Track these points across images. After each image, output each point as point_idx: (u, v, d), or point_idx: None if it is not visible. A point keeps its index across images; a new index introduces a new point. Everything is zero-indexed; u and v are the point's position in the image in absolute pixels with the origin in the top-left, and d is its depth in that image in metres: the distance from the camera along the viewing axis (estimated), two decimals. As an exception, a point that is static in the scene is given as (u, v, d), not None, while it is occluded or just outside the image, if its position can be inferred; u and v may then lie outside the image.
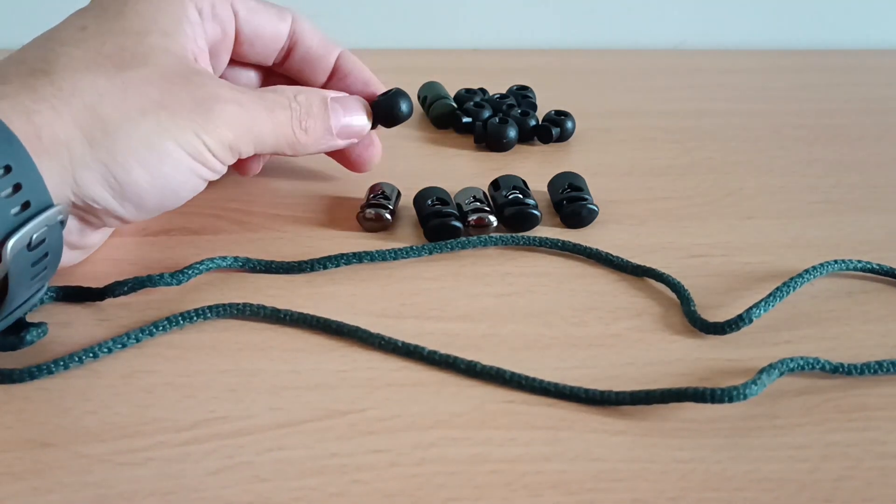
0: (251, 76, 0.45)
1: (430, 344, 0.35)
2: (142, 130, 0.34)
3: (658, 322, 0.37)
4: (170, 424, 0.31)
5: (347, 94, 0.42)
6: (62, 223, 0.32)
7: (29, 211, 0.31)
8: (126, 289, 0.36)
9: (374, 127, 0.43)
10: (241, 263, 0.39)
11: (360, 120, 0.42)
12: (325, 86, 0.44)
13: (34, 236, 0.31)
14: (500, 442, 0.31)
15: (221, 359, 0.34)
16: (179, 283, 0.37)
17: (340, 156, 0.45)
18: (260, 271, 0.39)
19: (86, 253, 0.38)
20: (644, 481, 0.30)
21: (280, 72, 0.45)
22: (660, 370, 0.35)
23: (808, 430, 0.32)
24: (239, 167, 0.44)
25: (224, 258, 0.38)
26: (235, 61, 0.43)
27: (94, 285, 0.36)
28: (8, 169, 0.30)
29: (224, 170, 0.37)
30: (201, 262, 0.38)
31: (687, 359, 0.35)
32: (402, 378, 0.34)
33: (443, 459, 0.30)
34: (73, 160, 0.32)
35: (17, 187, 0.30)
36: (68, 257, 0.36)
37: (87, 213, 0.34)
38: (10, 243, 0.30)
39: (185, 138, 0.35)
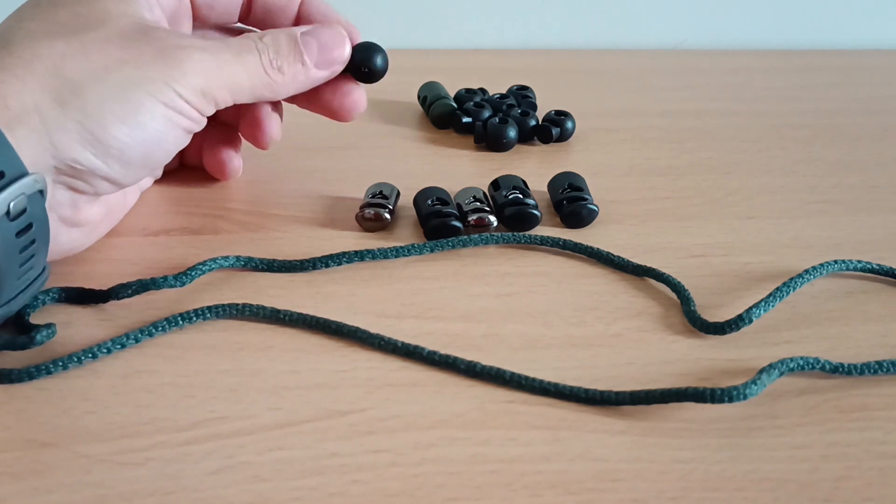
0: (217, 38, 0.44)
1: (430, 344, 0.35)
2: (110, 85, 0.34)
3: (658, 322, 0.37)
4: (170, 424, 0.31)
5: (319, 25, 0.41)
6: (41, 192, 0.32)
7: (2, 181, 0.30)
8: (130, 291, 0.36)
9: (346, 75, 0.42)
10: (243, 263, 0.39)
11: (337, 46, 0.40)
12: None
13: (11, 204, 0.31)
14: (500, 442, 0.31)
15: (221, 359, 0.34)
16: (183, 284, 0.37)
17: (321, 106, 0.43)
18: (262, 270, 0.39)
19: (88, 233, 0.38)
20: (644, 481, 0.30)
21: (247, 27, 0.44)
22: (660, 370, 0.35)
23: (808, 430, 0.32)
24: (251, 137, 0.44)
25: (226, 258, 0.38)
26: (199, 26, 0.43)
27: (94, 286, 0.36)
28: None
29: (203, 120, 0.37)
30: (204, 263, 0.38)
31: (687, 359, 0.35)
32: (402, 378, 0.34)
33: (443, 459, 0.30)
34: (46, 124, 0.32)
35: None
36: (69, 237, 0.36)
37: (74, 178, 0.34)
38: None
39: (155, 87, 0.35)
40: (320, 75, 0.40)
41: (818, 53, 0.73)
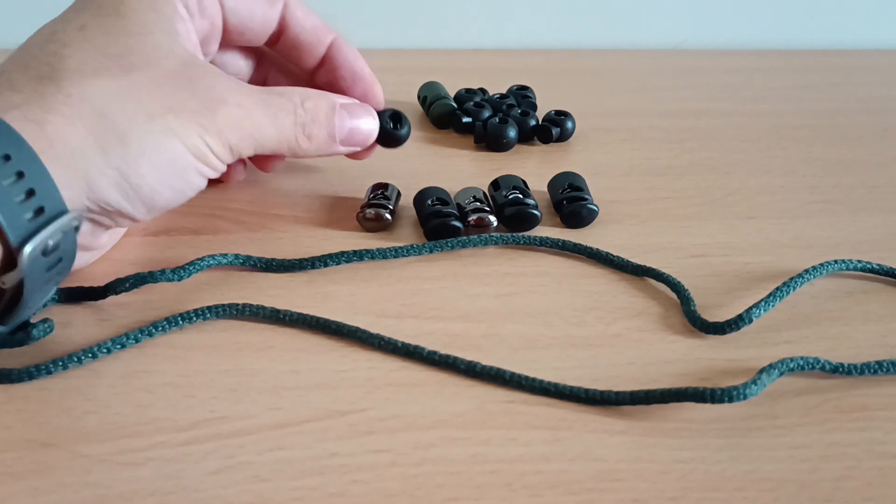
0: (242, 61, 0.44)
1: (429, 344, 0.35)
2: (152, 134, 0.34)
3: (658, 322, 0.37)
4: (170, 424, 0.31)
5: (357, 102, 0.42)
6: (76, 229, 0.33)
7: (43, 217, 0.31)
8: (127, 285, 0.36)
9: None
10: (241, 261, 0.39)
11: (367, 127, 0.41)
12: (314, 72, 0.44)
13: (50, 242, 0.31)
14: (500, 442, 0.31)
15: (221, 359, 0.34)
16: (181, 279, 0.37)
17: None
18: (260, 269, 0.39)
19: (97, 254, 0.38)
20: (644, 481, 0.30)
21: (272, 51, 0.44)
22: (660, 370, 0.35)
23: (808, 430, 0.32)
24: (256, 162, 0.45)
25: (224, 255, 0.39)
26: (224, 47, 0.43)
27: (94, 285, 0.36)
28: (21, 175, 0.30)
29: (224, 169, 0.37)
30: (202, 259, 0.38)
31: (687, 359, 0.35)
32: (402, 378, 0.34)
33: (443, 459, 0.30)
34: (86, 166, 0.33)
35: (30, 193, 0.30)
36: (80, 259, 0.36)
37: (100, 215, 0.35)
38: (27, 249, 0.30)
39: (191, 140, 0.35)
40: (341, 151, 0.41)
41: (818, 53, 0.73)
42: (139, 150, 0.34)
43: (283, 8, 0.42)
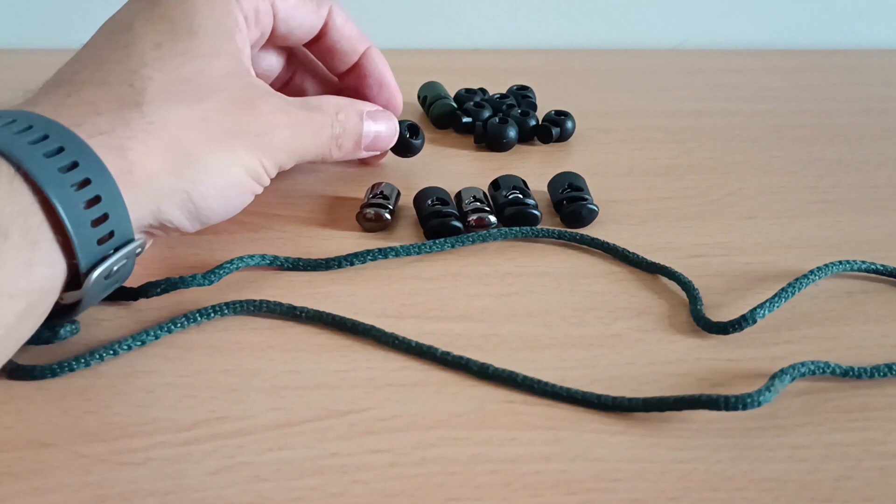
0: (275, 59, 0.46)
1: (430, 344, 0.35)
2: (218, 160, 0.36)
3: (658, 322, 0.37)
4: (170, 424, 0.31)
5: (380, 108, 0.44)
6: (137, 254, 0.34)
7: (111, 242, 0.32)
8: (159, 290, 0.36)
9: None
10: (268, 261, 0.39)
11: (388, 133, 0.44)
12: (342, 77, 0.46)
13: (115, 268, 0.32)
14: (500, 442, 0.31)
15: (221, 359, 0.34)
16: (211, 283, 0.37)
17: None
18: (288, 269, 0.39)
19: None
20: (644, 481, 0.30)
21: (304, 50, 0.46)
22: (660, 370, 0.35)
23: (808, 430, 0.32)
24: None
25: (252, 256, 0.39)
26: (266, 46, 0.44)
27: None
28: (97, 199, 0.31)
29: (268, 184, 0.39)
30: (231, 262, 0.38)
31: (687, 359, 0.35)
32: (402, 378, 0.34)
33: (443, 459, 0.30)
34: (158, 191, 0.34)
35: (103, 218, 0.31)
36: None
37: (157, 230, 0.36)
38: (93, 275, 0.31)
39: (251, 164, 0.37)
40: (363, 156, 0.44)
41: (818, 53, 0.73)
42: (206, 175, 0.35)
43: (327, 15, 0.43)
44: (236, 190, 0.37)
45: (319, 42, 0.44)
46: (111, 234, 0.32)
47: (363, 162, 0.48)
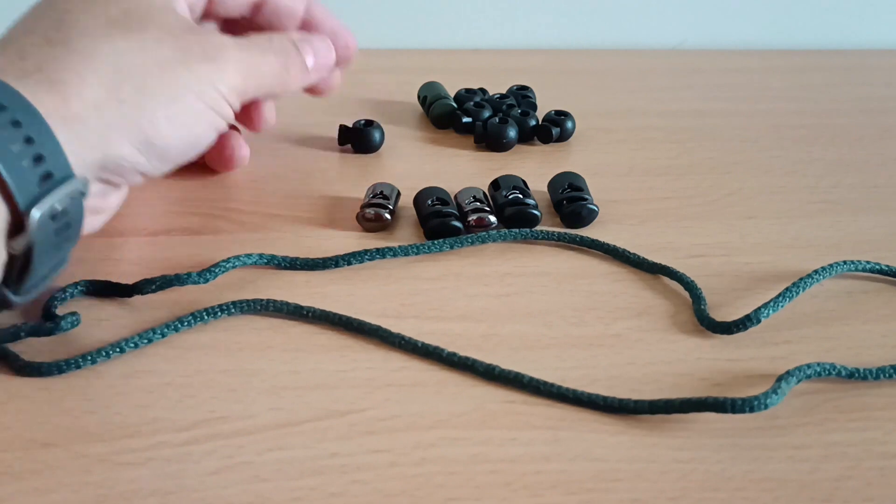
0: (216, 29, 0.45)
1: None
2: (165, 84, 0.35)
3: (658, 322, 0.37)
4: (170, 424, 0.31)
5: (308, 34, 0.44)
6: (83, 194, 0.33)
7: (51, 182, 0.31)
8: (154, 287, 0.36)
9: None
10: (265, 260, 0.39)
11: (326, 49, 0.44)
12: None
13: (58, 206, 0.31)
14: (500, 442, 0.31)
15: (221, 359, 0.34)
16: (207, 281, 0.37)
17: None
18: (284, 268, 0.39)
19: (105, 217, 0.39)
20: (644, 481, 0.30)
21: (245, 23, 0.45)
22: (660, 370, 0.35)
23: (808, 430, 0.32)
24: (248, 121, 0.46)
25: (249, 255, 0.39)
26: (205, 20, 0.44)
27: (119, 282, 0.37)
28: (29, 140, 0.31)
29: (232, 118, 0.39)
30: (227, 261, 0.38)
31: (687, 359, 0.35)
32: (402, 378, 0.34)
33: (443, 459, 0.30)
34: (101, 121, 0.33)
35: (38, 158, 0.31)
36: (90, 223, 0.37)
37: (112, 174, 0.35)
38: (35, 213, 0.31)
39: (202, 88, 0.36)
40: (314, 79, 0.43)
41: (818, 53, 0.73)
42: (153, 101, 0.35)
43: None
44: (192, 118, 0.36)
45: (263, 8, 0.44)
46: (49, 174, 0.31)
47: (311, 90, 0.46)
